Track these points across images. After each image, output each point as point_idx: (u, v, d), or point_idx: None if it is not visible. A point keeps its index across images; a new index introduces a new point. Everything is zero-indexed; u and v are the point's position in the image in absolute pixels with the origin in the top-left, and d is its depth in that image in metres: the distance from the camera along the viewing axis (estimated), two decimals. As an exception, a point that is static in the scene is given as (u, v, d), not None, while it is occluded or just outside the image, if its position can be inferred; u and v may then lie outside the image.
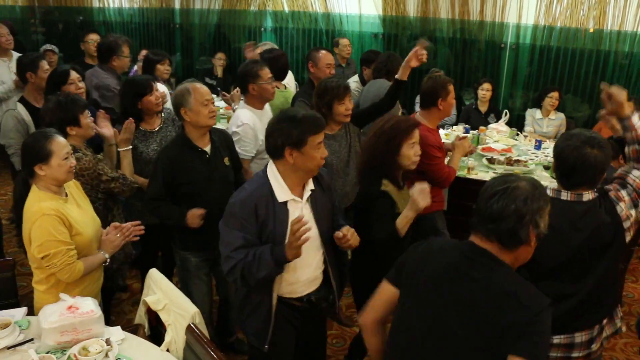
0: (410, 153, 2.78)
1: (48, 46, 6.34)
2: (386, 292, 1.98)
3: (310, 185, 2.47)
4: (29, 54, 4.59)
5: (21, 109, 3.84)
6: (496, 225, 1.71)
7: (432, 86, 3.50)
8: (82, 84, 3.76)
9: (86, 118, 3.06)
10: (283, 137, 2.30)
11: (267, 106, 3.71)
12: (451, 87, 3.55)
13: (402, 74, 3.54)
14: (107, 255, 2.67)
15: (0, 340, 2.28)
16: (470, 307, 1.70)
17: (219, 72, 6.96)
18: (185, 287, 3.10)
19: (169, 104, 3.76)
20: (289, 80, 5.04)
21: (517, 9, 6.03)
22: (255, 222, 2.32)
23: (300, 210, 2.41)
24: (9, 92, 5.25)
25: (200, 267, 3.12)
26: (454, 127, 5.67)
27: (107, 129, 3.26)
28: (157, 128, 3.54)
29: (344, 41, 6.35)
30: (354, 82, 5.23)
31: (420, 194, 2.57)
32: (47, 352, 2.24)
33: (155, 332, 2.62)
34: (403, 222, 2.63)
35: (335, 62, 6.32)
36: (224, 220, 2.38)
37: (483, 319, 1.67)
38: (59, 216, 2.48)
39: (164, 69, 4.83)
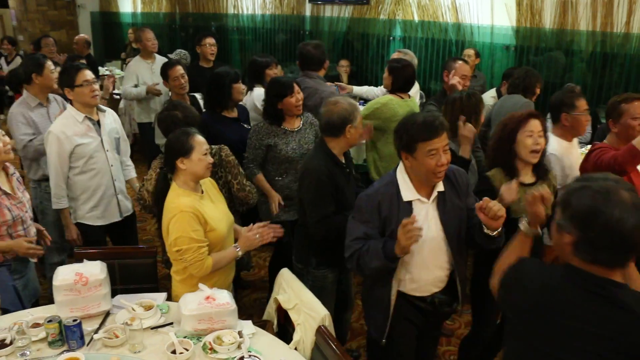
0: (527, 142, 2.71)
1: (180, 51, 6.81)
2: None
3: (439, 187, 2.44)
4: (167, 62, 4.88)
5: None
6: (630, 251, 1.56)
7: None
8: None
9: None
10: (398, 141, 2.40)
11: (575, 140, 3.52)
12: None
13: (463, 151, 3.27)
14: (240, 253, 2.77)
15: (145, 320, 2.46)
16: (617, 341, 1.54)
17: (344, 78, 7.05)
18: None
19: None
20: (414, 90, 5.00)
21: (671, 21, 5.58)
22: (377, 218, 2.40)
23: (425, 210, 2.41)
24: (140, 95, 5.63)
25: (334, 282, 3.16)
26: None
27: None
28: (297, 128, 3.67)
29: (467, 51, 6.23)
30: (490, 97, 5.08)
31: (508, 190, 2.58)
32: (185, 337, 2.37)
33: (283, 330, 2.70)
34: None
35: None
36: (352, 214, 2.52)
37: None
38: (195, 213, 2.61)
39: (272, 73, 4.72)
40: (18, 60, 7.84)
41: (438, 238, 2.44)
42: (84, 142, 3.44)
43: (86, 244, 3.58)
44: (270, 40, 8.60)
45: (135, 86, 5.69)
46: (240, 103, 4.74)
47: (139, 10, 10.70)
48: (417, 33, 7.14)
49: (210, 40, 5.75)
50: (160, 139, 4.02)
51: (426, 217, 2.42)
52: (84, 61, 5.18)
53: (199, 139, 2.69)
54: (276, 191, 3.68)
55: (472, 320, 3.20)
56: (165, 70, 4.45)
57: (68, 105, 3.52)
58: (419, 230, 2.21)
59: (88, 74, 3.43)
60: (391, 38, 7.34)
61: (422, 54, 7.09)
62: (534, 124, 2.73)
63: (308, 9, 8.03)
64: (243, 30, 8.87)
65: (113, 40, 11.32)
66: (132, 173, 3.92)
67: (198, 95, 4.66)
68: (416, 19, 7.10)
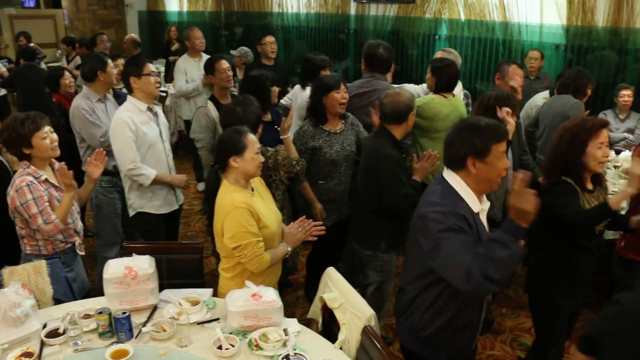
0: (598, 154, 2.67)
1: (243, 49, 6.89)
2: None
3: (485, 199, 2.37)
4: (212, 56, 4.94)
5: (211, 107, 4.17)
6: None
7: None
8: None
9: (260, 127, 3.33)
10: (466, 147, 2.21)
11: None
12: None
13: None
14: (289, 249, 2.81)
15: (191, 315, 2.49)
16: None
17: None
18: (380, 289, 3.11)
19: None
20: (457, 90, 4.93)
21: None
22: (470, 230, 2.19)
23: (485, 221, 2.34)
24: (197, 90, 5.76)
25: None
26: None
27: None
28: (339, 130, 3.67)
29: (533, 53, 6.07)
30: (542, 97, 4.96)
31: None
32: (231, 333, 2.40)
33: (327, 329, 2.69)
34: (618, 198, 2.57)
35: (523, 74, 6.08)
36: (427, 238, 2.19)
37: None
38: (249, 209, 2.63)
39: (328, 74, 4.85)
40: (78, 60, 8.06)
41: None
42: (147, 131, 3.60)
43: (145, 233, 3.75)
44: (315, 38, 8.60)
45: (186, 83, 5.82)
46: (291, 100, 4.79)
47: (185, 9, 10.86)
48: (463, 32, 7.03)
49: (269, 39, 5.88)
50: (194, 133, 4.08)
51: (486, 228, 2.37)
52: (122, 60, 5.31)
53: (252, 138, 2.72)
54: (319, 195, 3.70)
55: (537, 340, 3.11)
56: (211, 64, 4.48)
57: (129, 97, 3.66)
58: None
59: (152, 66, 3.65)
60: (437, 37, 7.25)
61: (468, 54, 6.98)
62: (604, 135, 2.69)
63: (353, 8, 7.99)
64: (287, 29, 8.90)
65: (160, 38, 11.51)
66: None
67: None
68: (462, 17, 7.00)
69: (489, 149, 2.19)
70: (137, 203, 3.73)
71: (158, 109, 3.80)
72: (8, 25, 11.95)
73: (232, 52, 6.93)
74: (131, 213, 3.78)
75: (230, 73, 4.43)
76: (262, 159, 2.75)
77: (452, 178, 2.28)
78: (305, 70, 4.69)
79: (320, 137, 3.60)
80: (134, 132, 3.54)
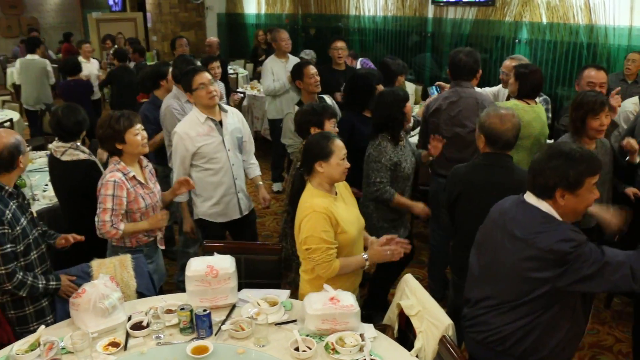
0: None
1: (306, 52, 6.97)
2: None
3: None
4: (300, 61, 4.99)
5: None
6: None
7: None
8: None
9: (331, 125, 3.35)
10: (557, 178, 2.10)
11: None
12: None
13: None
14: (368, 263, 2.78)
15: (269, 316, 2.53)
16: None
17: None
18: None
19: None
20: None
21: None
22: None
23: None
24: (284, 87, 5.90)
25: None
26: None
27: None
28: (404, 144, 3.66)
29: (631, 55, 5.77)
30: (631, 103, 4.72)
31: None
32: (307, 336, 2.42)
33: (402, 336, 2.67)
34: None
35: (619, 77, 5.82)
36: (577, 262, 2.06)
37: None
38: (327, 214, 2.64)
39: (403, 80, 4.81)
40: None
41: None
42: (206, 142, 3.58)
43: (206, 239, 3.73)
44: (391, 42, 8.56)
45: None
46: None
47: (262, 11, 11.07)
48: (544, 35, 6.80)
49: (338, 44, 5.82)
50: (285, 138, 4.13)
51: None
52: (217, 63, 5.40)
53: (339, 143, 2.72)
54: (391, 210, 3.63)
55: None
56: (300, 69, 4.53)
57: (193, 107, 3.67)
58: None
59: (204, 77, 3.54)
60: (517, 41, 7.06)
61: (549, 58, 6.76)
62: None
63: (430, 11, 7.90)
64: (364, 31, 8.91)
65: (237, 40, 11.81)
66: (257, 171, 4.00)
67: (327, 98, 4.71)
68: (544, 20, 6.78)
69: (582, 182, 2.09)
70: (197, 209, 3.76)
71: (226, 117, 3.70)
72: (95, 28, 12.60)
73: (301, 55, 7.03)
74: (194, 217, 3.84)
75: (318, 78, 4.49)
76: (348, 165, 2.74)
77: (542, 205, 2.18)
78: (382, 75, 4.69)
79: (397, 151, 3.54)
80: (188, 147, 3.55)
